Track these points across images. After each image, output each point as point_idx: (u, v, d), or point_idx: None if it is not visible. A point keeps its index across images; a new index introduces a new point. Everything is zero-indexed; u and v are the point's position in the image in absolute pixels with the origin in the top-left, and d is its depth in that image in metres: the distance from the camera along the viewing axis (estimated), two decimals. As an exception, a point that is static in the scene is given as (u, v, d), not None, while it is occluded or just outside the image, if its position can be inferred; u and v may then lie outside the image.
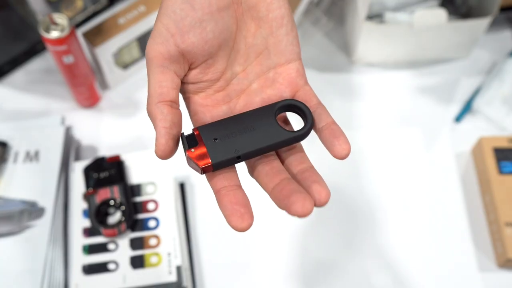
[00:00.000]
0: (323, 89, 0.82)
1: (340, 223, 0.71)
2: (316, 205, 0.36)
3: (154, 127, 0.38)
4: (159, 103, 0.38)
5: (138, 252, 0.64)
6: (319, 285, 0.67)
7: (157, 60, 0.38)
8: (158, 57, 0.38)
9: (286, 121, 0.42)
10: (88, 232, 0.65)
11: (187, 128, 0.40)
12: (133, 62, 0.80)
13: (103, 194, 0.66)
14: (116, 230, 0.64)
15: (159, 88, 0.38)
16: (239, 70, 0.42)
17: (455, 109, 0.80)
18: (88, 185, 0.67)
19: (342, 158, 0.38)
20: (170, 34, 0.38)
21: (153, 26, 0.39)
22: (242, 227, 0.36)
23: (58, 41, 0.67)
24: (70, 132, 0.74)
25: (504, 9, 0.84)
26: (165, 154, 0.37)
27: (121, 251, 0.64)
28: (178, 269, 0.63)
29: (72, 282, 0.63)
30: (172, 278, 0.63)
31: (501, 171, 0.71)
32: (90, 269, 0.63)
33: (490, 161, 0.71)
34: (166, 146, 0.37)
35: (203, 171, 0.38)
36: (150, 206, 0.67)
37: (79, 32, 0.76)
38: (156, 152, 0.37)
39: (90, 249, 0.65)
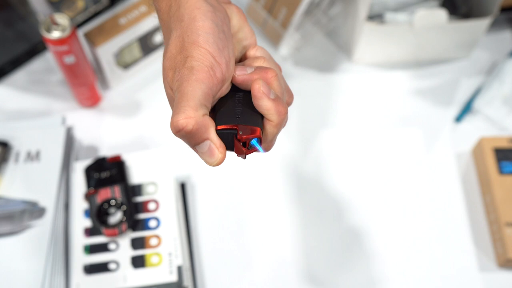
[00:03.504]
0: (323, 89, 0.82)
1: (341, 223, 0.71)
2: None
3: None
4: None
5: (139, 252, 0.64)
6: (321, 285, 0.67)
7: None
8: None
9: None
10: (89, 232, 0.66)
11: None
12: (134, 62, 0.80)
13: (104, 194, 0.66)
14: (117, 230, 0.64)
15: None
16: None
17: (456, 109, 0.80)
18: (89, 185, 0.67)
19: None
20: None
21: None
22: None
23: (59, 41, 0.67)
24: (71, 132, 0.74)
25: (504, 9, 0.84)
26: None
27: (122, 251, 0.65)
28: (179, 269, 0.63)
29: (73, 282, 0.63)
30: (173, 278, 0.63)
31: (501, 171, 0.71)
32: (91, 269, 0.64)
33: (491, 161, 0.71)
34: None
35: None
36: (151, 206, 0.67)
37: (80, 32, 0.76)
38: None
39: (91, 249, 0.65)
